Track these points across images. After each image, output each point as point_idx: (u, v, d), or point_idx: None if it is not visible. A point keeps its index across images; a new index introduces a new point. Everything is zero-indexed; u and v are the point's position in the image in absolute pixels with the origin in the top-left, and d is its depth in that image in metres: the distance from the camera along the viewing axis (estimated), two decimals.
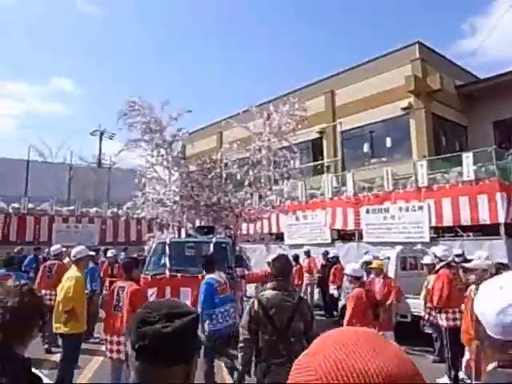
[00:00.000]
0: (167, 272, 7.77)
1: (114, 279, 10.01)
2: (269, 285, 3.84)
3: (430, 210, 11.49)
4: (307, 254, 12.98)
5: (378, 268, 8.38)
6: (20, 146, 69.81)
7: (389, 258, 9.41)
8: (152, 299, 7.49)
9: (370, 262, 8.95)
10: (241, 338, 3.69)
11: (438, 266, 7.49)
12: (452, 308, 6.73)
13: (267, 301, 3.63)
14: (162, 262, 8.32)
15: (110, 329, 5.29)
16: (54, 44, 69.89)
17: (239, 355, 3.73)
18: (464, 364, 4.65)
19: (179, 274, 7.94)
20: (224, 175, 11.62)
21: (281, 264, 3.91)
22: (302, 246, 14.00)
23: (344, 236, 14.13)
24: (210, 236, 9.29)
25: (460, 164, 11.42)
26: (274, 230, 15.90)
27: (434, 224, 11.49)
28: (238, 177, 11.50)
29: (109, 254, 11.93)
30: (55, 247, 10.11)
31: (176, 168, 10.52)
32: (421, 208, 11.66)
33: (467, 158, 11.01)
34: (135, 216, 11.82)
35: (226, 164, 12.05)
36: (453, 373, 6.54)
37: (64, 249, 10.40)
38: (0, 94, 57.73)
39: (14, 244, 15.38)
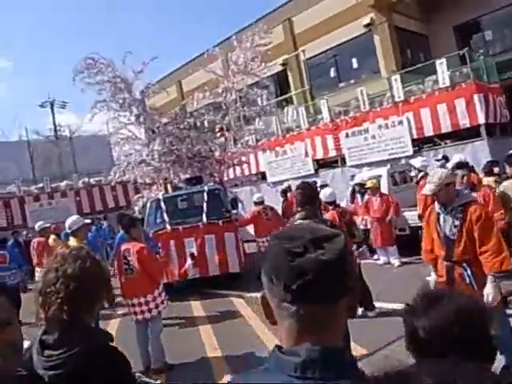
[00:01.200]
0: (168, 226, 7.65)
1: None
2: (297, 215, 3.69)
3: (409, 123, 11.51)
4: (288, 188, 12.88)
5: (373, 187, 8.43)
6: None
7: (380, 177, 9.42)
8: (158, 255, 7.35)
9: (363, 184, 8.98)
10: None
11: (419, 177, 7.59)
12: None
13: None
14: (159, 218, 8.16)
15: (129, 292, 5.12)
16: None
17: None
18: (432, 285, 3.82)
19: (180, 227, 7.91)
20: (198, 124, 11.20)
21: (305, 191, 3.76)
22: (285, 181, 13.87)
23: (327, 164, 14.09)
24: (200, 186, 9.16)
25: (433, 73, 11.32)
26: (254, 171, 15.74)
27: (415, 136, 11.55)
28: (206, 124, 11.14)
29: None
30: (39, 223, 9.61)
31: (150, 126, 10.01)
32: (400, 123, 11.66)
33: (441, 64, 10.87)
34: (119, 180, 11.23)
35: (191, 113, 11.61)
36: None
37: (48, 224, 9.93)
38: None
39: None
